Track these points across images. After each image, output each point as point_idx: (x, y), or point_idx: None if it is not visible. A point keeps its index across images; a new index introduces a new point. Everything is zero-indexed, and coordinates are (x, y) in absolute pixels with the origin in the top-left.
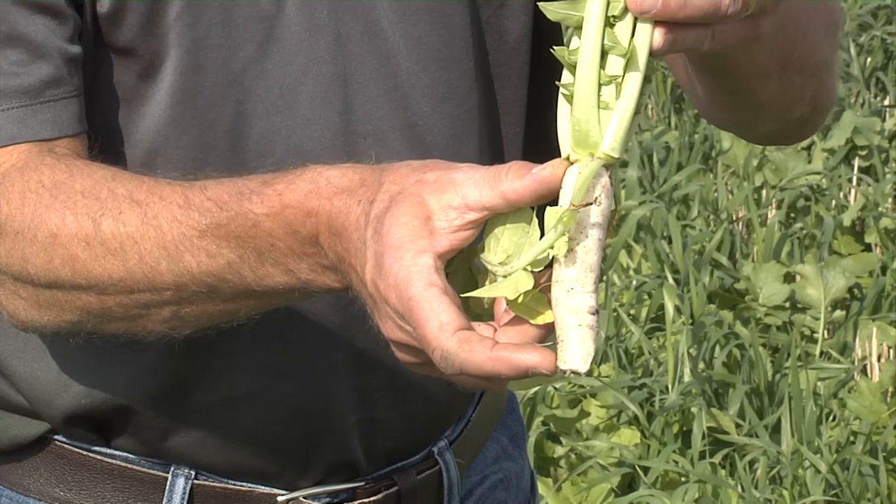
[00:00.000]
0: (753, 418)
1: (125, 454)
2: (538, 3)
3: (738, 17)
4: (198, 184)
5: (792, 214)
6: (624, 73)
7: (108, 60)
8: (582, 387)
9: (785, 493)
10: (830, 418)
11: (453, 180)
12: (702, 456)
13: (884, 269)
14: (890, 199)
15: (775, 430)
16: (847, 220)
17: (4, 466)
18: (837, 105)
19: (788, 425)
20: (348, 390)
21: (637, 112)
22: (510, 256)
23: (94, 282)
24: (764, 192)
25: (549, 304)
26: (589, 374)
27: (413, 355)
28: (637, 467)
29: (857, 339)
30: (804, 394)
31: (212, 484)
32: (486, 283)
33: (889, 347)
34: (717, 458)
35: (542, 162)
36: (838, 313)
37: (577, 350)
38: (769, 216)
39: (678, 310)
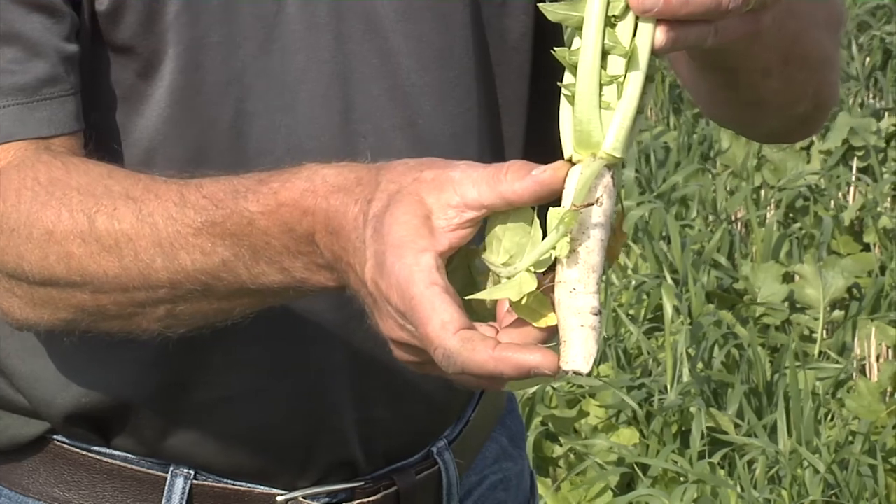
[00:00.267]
0: (752, 418)
1: (124, 454)
2: (538, 4)
3: (739, 13)
4: (194, 181)
5: (791, 214)
6: (625, 73)
7: (107, 59)
8: (581, 387)
9: (784, 492)
10: (829, 418)
11: (451, 178)
12: (700, 456)
13: (882, 269)
14: (888, 199)
15: (774, 430)
16: (846, 220)
17: (4, 466)
18: (836, 105)
19: (787, 425)
20: (346, 390)
21: (640, 112)
22: (512, 257)
23: (90, 279)
24: (763, 192)
25: (551, 306)
26: (588, 374)
27: (413, 354)
28: (636, 467)
29: (856, 339)
30: (803, 394)
31: (211, 484)
32: (489, 283)
33: (888, 347)
34: (715, 458)
35: (542, 161)
36: (837, 313)
37: (579, 350)
38: (768, 216)
39: (677, 310)
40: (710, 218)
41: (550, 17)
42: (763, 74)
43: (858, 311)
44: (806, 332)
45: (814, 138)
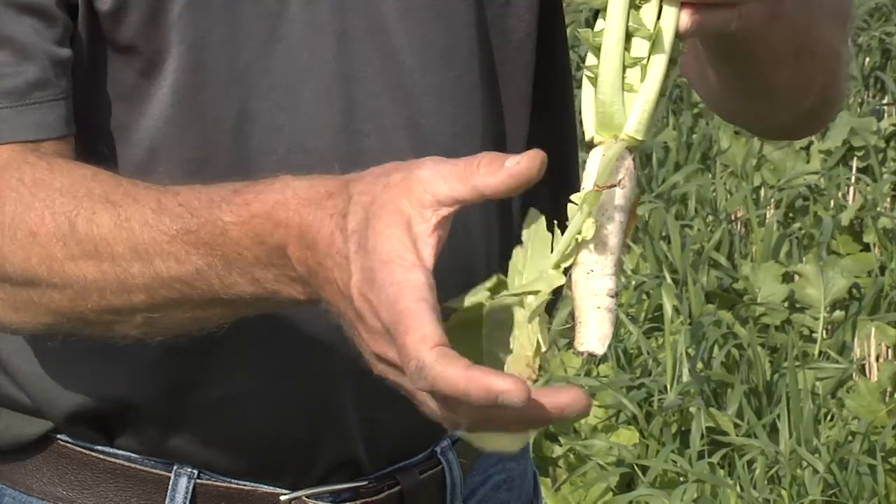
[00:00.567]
0: (752, 418)
1: (128, 453)
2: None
3: None
4: (172, 189)
5: (790, 214)
6: (649, 56)
7: (108, 58)
8: (581, 387)
9: (783, 492)
10: (829, 418)
11: (420, 178)
12: (700, 456)
13: (882, 269)
14: (888, 199)
15: (774, 430)
16: (845, 219)
17: (7, 465)
18: (844, 101)
19: (787, 425)
20: (349, 390)
21: (662, 95)
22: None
23: (70, 282)
24: (762, 192)
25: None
26: (588, 374)
27: (393, 371)
28: (636, 467)
29: (856, 339)
30: (802, 394)
31: (214, 483)
32: (510, 337)
33: (887, 347)
34: (715, 458)
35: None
36: (837, 313)
37: (594, 332)
38: (768, 216)
39: (677, 310)
40: (710, 218)
41: None
42: (775, 64)
43: (858, 311)
44: (806, 332)
45: (813, 138)
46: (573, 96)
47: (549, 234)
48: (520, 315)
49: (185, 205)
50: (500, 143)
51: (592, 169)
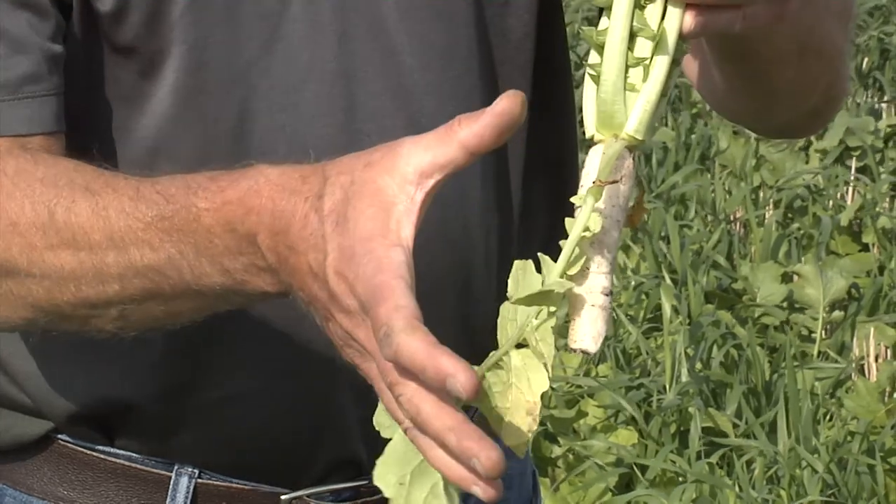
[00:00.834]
0: (751, 418)
1: (128, 453)
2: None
3: None
4: (152, 178)
5: (789, 215)
6: (652, 56)
7: (106, 59)
8: (579, 387)
9: (782, 492)
10: (828, 418)
11: (400, 153)
12: (699, 456)
13: (881, 269)
14: (887, 199)
15: (773, 430)
16: (844, 220)
17: (8, 465)
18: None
19: (785, 425)
20: (349, 390)
21: (664, 95)
22: (530, 316)
23: (48, 272)
24: (761, 193)
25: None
26: (587, 374)
27: (360, 354)
28: (634, 467)
29: (855, 339)
30: (801, 394)
31: (215, 483)
32: (507, 400)
33: (886, 347)
34: (714, 458)
35: (544, 166)
36: (836, 313)
37: (588, 330)
38: (767, 216)
39: (676, 310)
40: (709, 218)
41: None
42: (780, 64)
43: (857, 312)
44: (805, 333)
45: (812, 138)
46: (573, 96)
47: (539, 275)
48: (517, 360)
49: (162, 192)
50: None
51: (592, 166)
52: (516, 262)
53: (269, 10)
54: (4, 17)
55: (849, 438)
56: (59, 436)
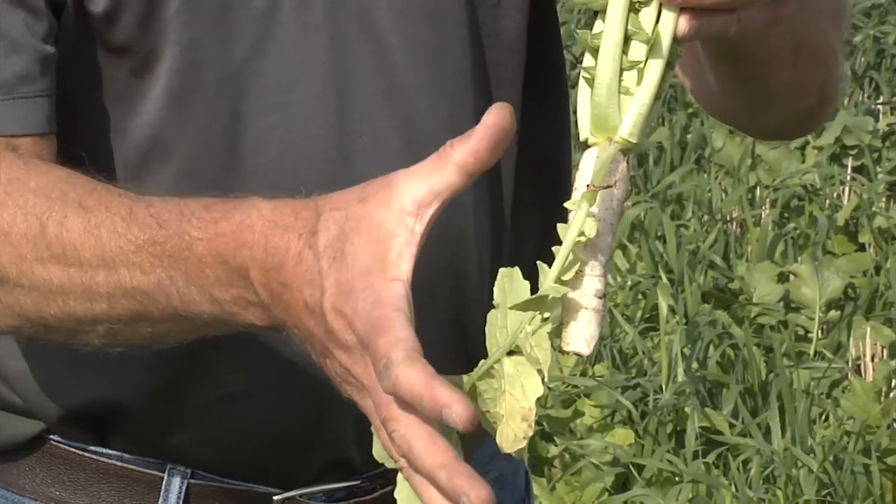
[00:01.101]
0: (747, 418)
1: (121, 454)
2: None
3: (763, 2)
4: (146, 199)
5: (785, 214)
6: (646, 60)
7: (99, 59)
8: (576, 387)
9: (778, 492)
10: (823, 418)
11: (396, 186)
12: (695, 455)
13: (877, 269)
14: (883, 199)
15: (769, 430)
16: (841, 219)
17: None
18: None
19: (781, 425)
20: None
21: (658, 98)
22: (523, 322)
23: (36, 284)
24: (757, 192)
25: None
26: (583, 373)
27: (358, 391)
28: (631, 467)
29: (851, 339)
30: (797, 393)
31: (208, 483)
32: (501, 407)
33: (883, 347)
34: (710, 458)
35: (536, 165)
36: (833, 313)
37: (581, 332)
38: (763, 216)
39: (672, 310)
40: (706, 218)
41: None
42: (775, 65)
43: (853, 311)
44: (801, 332)
45: (809, 138)
46: (567, 96)
47: (527, 283)
48: (509, 367)
49: (155, 216)
50: None
51: (586, 170)
52: (501, 270)
53: (259, 10)
54: (2, 17)
55: (845, 438)
56: (51, 436)
